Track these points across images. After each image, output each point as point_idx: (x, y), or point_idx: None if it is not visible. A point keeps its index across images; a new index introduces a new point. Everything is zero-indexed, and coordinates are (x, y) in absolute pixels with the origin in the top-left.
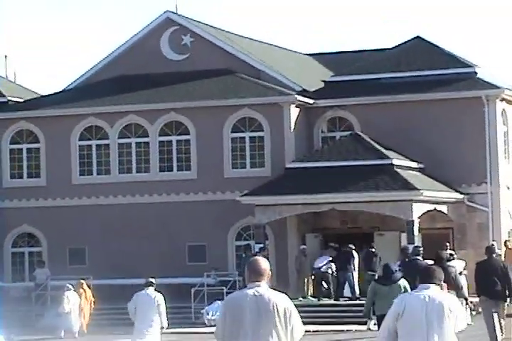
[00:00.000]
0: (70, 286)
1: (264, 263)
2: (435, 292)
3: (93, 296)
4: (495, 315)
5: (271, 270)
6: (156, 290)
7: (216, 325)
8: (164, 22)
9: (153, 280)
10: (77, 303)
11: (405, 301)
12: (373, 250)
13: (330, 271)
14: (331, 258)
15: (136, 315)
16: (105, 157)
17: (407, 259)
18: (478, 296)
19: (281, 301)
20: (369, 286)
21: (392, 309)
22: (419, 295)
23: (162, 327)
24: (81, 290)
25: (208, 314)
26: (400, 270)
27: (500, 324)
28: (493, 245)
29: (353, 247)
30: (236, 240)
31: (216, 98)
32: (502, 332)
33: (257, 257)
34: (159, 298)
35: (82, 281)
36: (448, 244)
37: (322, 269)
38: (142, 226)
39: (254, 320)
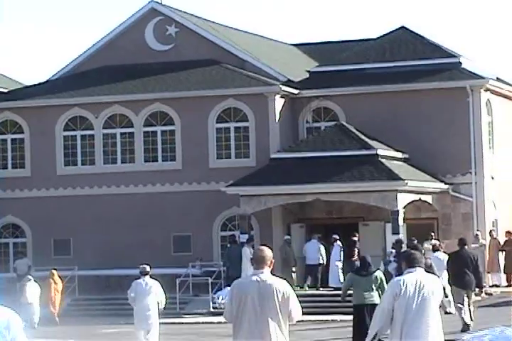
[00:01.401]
0: (30, 277)
1: (266, 252)
2: (422, 274)
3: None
4: (465, 303)
5: (273, 258)
6: (151, 277)
7: (225, 307)
8: (149, 12)
9: (147, 268)
10: (37, 294)
11: (401, 282)
12: (355, 239)
13: (321, 262)
14: (339, 245)
15: (135, 301)
16: (90, 147)
17: (401, 251)
18: (451, 286)
19: (281, 286)
20: (346, 276)
21: (390, 290)
22: (411, 277)
23: (161, 308)
24: (51, 280)
25: (218, 298)
26: (395, 261)
27: (469, 311)
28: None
29: (338, 237)
30: (221, 230)
31: (201, 88)
32: (471, 318)
33: (261, 247)
34: (156, 286)
35: (54, 271)
36: (433, 234)
37: (315, 262)
38: (127, 216)
39: (257, 303)
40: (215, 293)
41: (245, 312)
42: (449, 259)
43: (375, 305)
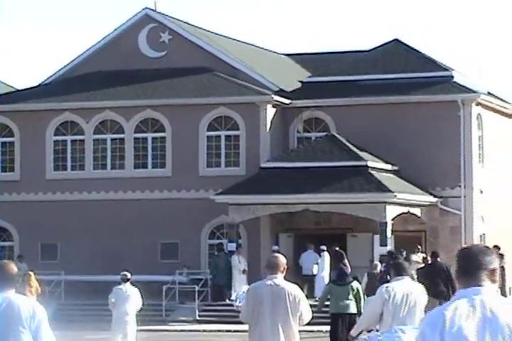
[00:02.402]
0: None
1: (281, 259)
2: (409, 282)
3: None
4: None
5: (287, 264)
6: (132, 284)
7: (242, 309)
8: (142, 19)
9: (128, 275)
10: None
11: (390, 289)
12: (337, 249)
13: (316, 272)
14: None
15: (115, 307)
16: (80, 153)
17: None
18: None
19: (293, 290)
20: (324, 286)
21: (379, 295)
22: (399, 285)
23: (140, 310)
24: (29, 283)
25: (236, 301)
26: (384, 271)
27: None
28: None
29: (325, 248)
30: (209, 239)
31: (193, 96)
32: None
33: (276, 254)
34: (135, 293)
35: (31, 273)
36: (420, 247)
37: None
38: (115, 222)
39: (271, 305)
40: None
41: (260, 313)
42: (421, 271)
43: (351, 314)
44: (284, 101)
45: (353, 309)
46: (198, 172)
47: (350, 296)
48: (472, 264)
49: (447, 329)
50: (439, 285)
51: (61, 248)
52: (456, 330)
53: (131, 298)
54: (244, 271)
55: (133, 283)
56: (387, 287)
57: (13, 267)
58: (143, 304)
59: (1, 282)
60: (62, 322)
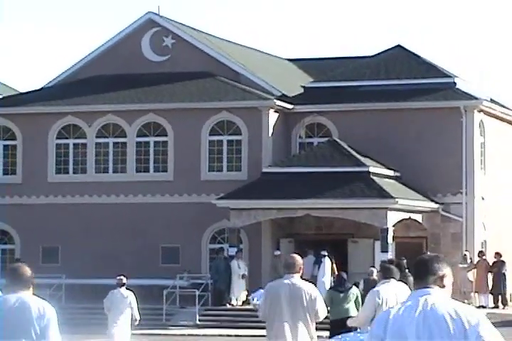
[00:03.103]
0: None
1: (297, 259)
2: (396, 284)
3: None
4: None
5: (302, 264)
6: (127, 288)
7: (260, 307)
8: (146, 23)
9: (124, 279)
10: None
11: (382, 292)
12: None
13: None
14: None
15: (110, 311)
16: (82, 156)
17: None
18: None
19: (309, 289)
20: (325, 294)
21: (372, 299)
22: (388, 287)
23: (135, 319)
24: None
25: (253, 300)
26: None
27: None
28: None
29: (326, 253)
30: (210, 243)
31: (195, 100)
32: None
33: (292, 254)
34: (131, 297)
35: None
36: (428, 253)
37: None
38: (117, 226)
39: (288, 303)
40: (249, 295)
41: (277, 311)
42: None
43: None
44: (287, 106)
45: (353, 312)
46: (200, 176)
47: (351, 302)
48: (422, 270)
49: (390, 324)
50: None
51: (62, 251)
52: (396, 325)
53: (126, 303)
54: (243, 276)
55: (128, 288)
56: (377, 291)
57: (27, 269)
58: (139, 308)
59: (15, 283)
60: (63, 325)
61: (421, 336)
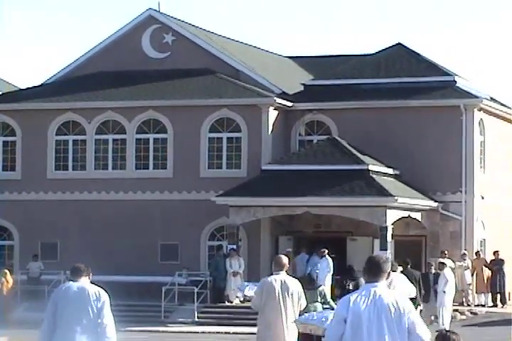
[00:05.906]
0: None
1: (284, 259)
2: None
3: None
4: None
5: (289, 263)
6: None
7: (254, 296)
8: (146, 20)
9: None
10: None
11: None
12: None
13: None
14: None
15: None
16: (81, 152)
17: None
18: None
19: (296, 285)
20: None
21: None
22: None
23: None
24: (3, 280)
25: (242, 291)
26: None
27: None
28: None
29: (327, 251)
30: (209, 240)
31: (195, 97)
32: None
33: (280, 255)
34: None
35: (6, 271)
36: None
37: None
38: (115, 223)
39: (278, 296)
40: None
41: (268, 302)
42: None
43: None
44: (287, 103)
45: (320, 309)
46: (199, 173)
47: (319, 299)
48: (376, 269)
49: (351, 306)
50: None
51: (61, 247)
52: (355, 307)
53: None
54: (236, 274)
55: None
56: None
57: (82, 264)
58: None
59: (76, 273)
60: None
61: (371, 317)
